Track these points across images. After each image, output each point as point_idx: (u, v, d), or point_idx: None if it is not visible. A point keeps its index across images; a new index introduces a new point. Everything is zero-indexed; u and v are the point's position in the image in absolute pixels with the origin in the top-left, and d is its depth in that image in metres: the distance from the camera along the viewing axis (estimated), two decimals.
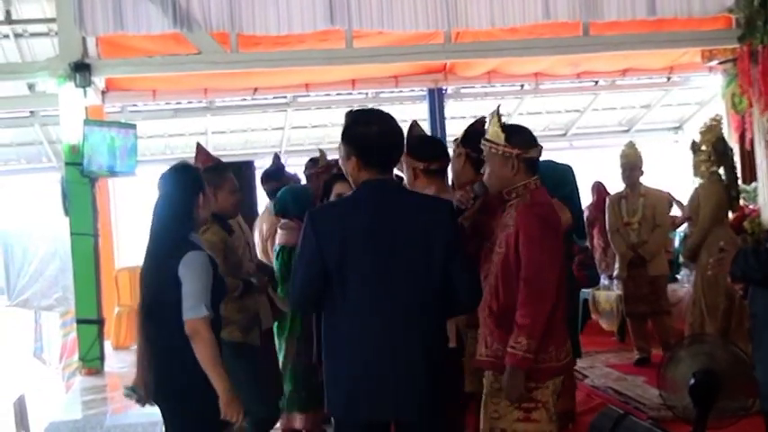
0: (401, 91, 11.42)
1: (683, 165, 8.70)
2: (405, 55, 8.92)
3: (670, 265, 8.47)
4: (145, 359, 3.72)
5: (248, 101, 11.39)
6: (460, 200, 3.78)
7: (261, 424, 5.05)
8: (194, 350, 3.52)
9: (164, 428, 3.89)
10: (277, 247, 5.56)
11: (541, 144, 3.75)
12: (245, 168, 9.46)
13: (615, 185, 10.08)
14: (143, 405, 3.86)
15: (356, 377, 3.20)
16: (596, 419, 4.48)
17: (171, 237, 3.66)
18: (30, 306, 10.82)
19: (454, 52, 9.08)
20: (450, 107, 11.90)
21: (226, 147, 12.60)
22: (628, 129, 13.78)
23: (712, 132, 7.42)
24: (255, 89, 10.54)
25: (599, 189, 9.93)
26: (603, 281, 9.04)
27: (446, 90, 11.32)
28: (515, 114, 12.24)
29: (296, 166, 11.30)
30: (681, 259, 8.99)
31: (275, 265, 5.55)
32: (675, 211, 8.87)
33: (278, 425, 5.64)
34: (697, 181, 7.59)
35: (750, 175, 9.54)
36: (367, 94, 11.59)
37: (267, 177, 6.28)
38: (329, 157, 5.90)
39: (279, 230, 5.63)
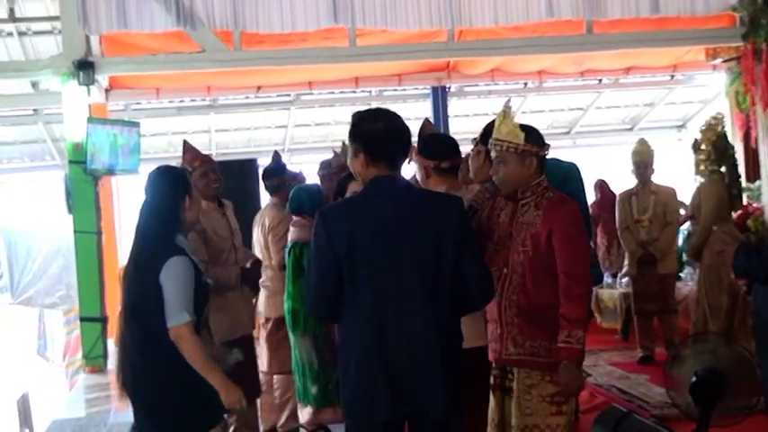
0: (404, 89, 11.39)
1: (686, 163, 8.68)
2: (408, 53, 8.91)
3: None
4: (122, 361, 3.72)
5: (251, 99, 11.36)
6: (475, 199, 3.82)
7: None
8: (183, 354, 3.53)
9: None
10: (289, 244, 5.61)
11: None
12: (248, 166, 9.48)
13: (618, 184, 10.09)
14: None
15: (370, 376, 3.19)
16: (599, 417, 4.45)
17: (155, 240, 3.65)
18: (33, 304, 10.81)
19: (457, 50, 9.08)
20: (454, 105, 11.91)
21: (229, 145, 12.65)
22: (631, 127, 13.77)
23: (713, 131, 7.42)
24: (259, 87, 10.52)
25: (602, 187, 9.96)
26: (607, 279, 9.03)
27: (449, 88, 11.30)
28: (519, 113, 12.22)
29: (299, 164, 11.37)
30: (684, 257, 8.98)
31: (287, 261, 5.58)
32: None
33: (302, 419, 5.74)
34: (699, 180, 7.60)
35: (754, 173, 9.51)
36: (370, 92, 11.58)
37: (268, 174, 6.30)
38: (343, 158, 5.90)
39: (291, 227, 5.69)
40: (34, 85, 9.76)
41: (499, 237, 3.73)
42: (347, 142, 3.42)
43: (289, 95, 11.43)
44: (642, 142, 7.82)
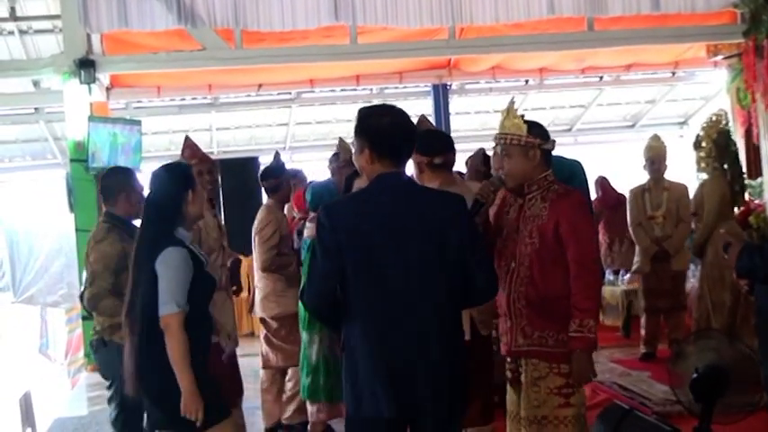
0: (405, 87, 11.38)
1: (688, 160, 8.66)
2: (409, 51, 8.92)
3: None
4: (128, 354, 3.74)
5: (253, 97, 11.36)
6: (480, 193, 3.80)
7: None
8: (166, 344, 3.55)
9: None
10: (307, 241, 5.59)
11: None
12: (249, 165, 9.49)
13: (620, 181, 10.08)
14: None
15: (375, 374, 3.17)
16: (602, 415, 4.47)
17: (154, 232, 3.70)
18: (35, 302, 10.82)
19: (459, 48, 9.08)
20: (455, 103, 11.91)
21: (230, 143, 12.66)
22: (633, 124, 13.76)
23: (714, 128, 7.39)
24: (260, 85, 10.51)
25: (603, 184, 9.92)
26: (609, 276, 9.00)
27: (450, 86, 11.32)
28: (520, 110, 12.13)
29: (300, 162, 11.37)
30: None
31: (303, 257, 5.59)
32: None
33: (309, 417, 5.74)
34: (701, 177, 7.57)
35: (756, 170, 9.50)
36: (371, 89, 11.56)
37: (264, 175, 6.26)
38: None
39: (308, 224, 5.68)
40: (35, 83, 9.77)
41: (507, 232, 3.76)
42: (345, 138, 3.41)
43: (290, 93, 11.43)
44: (656, 138, 7.75)
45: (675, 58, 10.98)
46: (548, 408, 3.64)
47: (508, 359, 3.83)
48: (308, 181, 7.20)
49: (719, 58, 9.95)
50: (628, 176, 9.02)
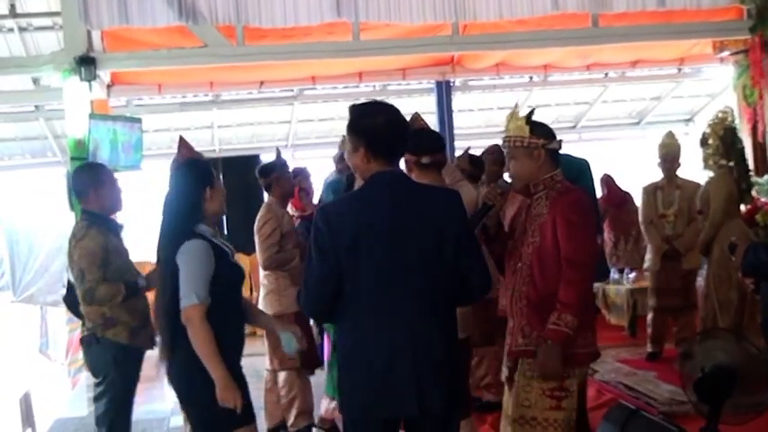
0: (408, 84, 11.37)
1: (694, 158, 8.62)
2: (412, 47, 8.83)
3: None
4: (163, 358, 3.80)
5: (254, 94, 11.35)
6: (487, 196, 3.84)
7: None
8: (190, 337, 3.56)
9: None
10: None
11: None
12: (251, 162, 9.43)
13: (625, 178, 10.05)
14: None
15: (373, 375, 3.17)
16: (608, 415, 4.46)
17: (173, 229, 3.75)
18: (35, 302, 10.79)
19: (462, 44, 8.98)
20: (458, 100, 11.88)
21: (232, 140, 12.67)
22: (638, 121, 13.74)
23: (720, 125, 7.35)
24: (262, 82, 10.46)
25: (608, 182, 9.89)
26: (614, 275, 8.97)
27: (454, 83, 11.28)
28: (524, 107, 12.12)
29: (303, 160, 11.34)
30: None
31: None
32: None
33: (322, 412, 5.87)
34: (708, 174, 7.51)
35: (762, 167, 9.43)
36: (374, 86, 11.55)
37: (260, 172, 6.21)
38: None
39: None
40: (35, 81, 9.73)
41: (518, 233, 3.82)
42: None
43: (292, 90, 11.42)
44: (670, 135, 7.71)
45: (681, 55, 10.90)
46: (538, 409, 3.66)
47: (507, 359, 3.85)
48: (311, 179, 7.20)
49: (726, 54, 9.84)
50: (633, 174, 8.98)
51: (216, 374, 3.54)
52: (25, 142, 11.80)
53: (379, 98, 11.00)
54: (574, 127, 13.55)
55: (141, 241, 8.08)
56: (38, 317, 10.77)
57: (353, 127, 3.28)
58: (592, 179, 5.68)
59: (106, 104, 8.84)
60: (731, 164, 7.47)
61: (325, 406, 5.96)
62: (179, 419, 6.02)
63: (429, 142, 4.54)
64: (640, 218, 7.84)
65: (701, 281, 7.95)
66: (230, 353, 3.67)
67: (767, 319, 4.68)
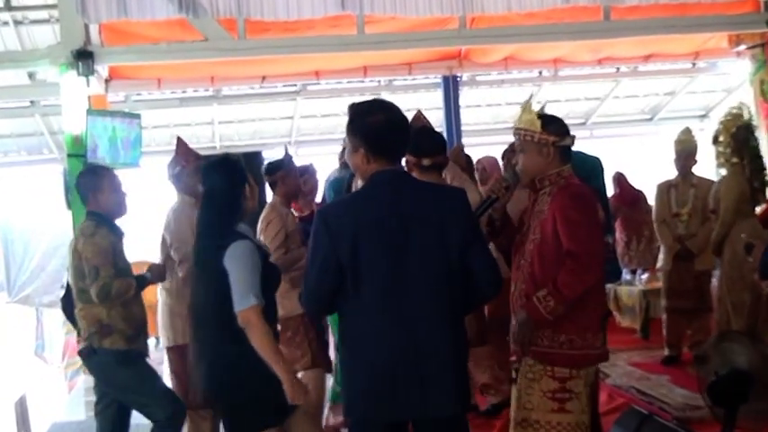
0: (414, 78, 11.25)
1: (708, 155, 8.51)
2: (418, 41, 8.75)
3: None
4: (196, 360, 3.79)
5: (256, 89, 11.26)
6: (492, 189, 3.81)
7: (173, 419, 5.00)
8: (251, 340, 3.56)
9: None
10: None
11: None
12: (253, 159, 9.34)
13: (637, 177, 9.93)
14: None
15: (378, 377, 3.14)
16: (620, 420, 4.46)
17: (215, 229, 3.73)
18: (31, 303, 10.87)
19: (469, 38, 8.89)
20: (466, 95, 11.80)
21: (233, 137, 12.62)
22: (651, 117, 13.64)
23: (733, 121, 7.23)
24: (264, 77, 10.38)
25: (620, 180, 9.79)
26: (626, 276, 8.86)
27: (461, 77, 11.20)
28: (534, 103, 12.05)
29: (306, 157, 11.20)
30: None
31: None
32: None
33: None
34: (721, 172, 7.38)
35: None
36: (379, 81, 11.47)
37: (266, 171, 6.12)
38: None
39: None
40: (31, 75, 9.62)
41: (525, 229, 3.80)
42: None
43: (295, 85, 11.32)
44: (686, 132, 7.63)
45: (696, 49, 10.77)
46: (540, 412, 3.62)
47: (513, 359, 3.81)
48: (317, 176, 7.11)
49: (742, 48, 9.78)
50: (646, 172, 8.86)
51: (283, 374, 3.56)
52: (20, 139, 11.69)
53: (384, 93, 11.02)
54: (585, 123, 13.43)
55: (141, 240, 8.00)
56: (33, 318, 10.81)
57: (352, 127, 3.27)
58: (604, 177, 5.59)
59: (104, 100, 8.78)
60: (744, 162, 7.32)
61: (325, 414, 5.89)
62: None
63: (430, 144, 4.53)
64: (653, 216, 7.77)
65: (715, 282, 7.84)
66: None
67: None
